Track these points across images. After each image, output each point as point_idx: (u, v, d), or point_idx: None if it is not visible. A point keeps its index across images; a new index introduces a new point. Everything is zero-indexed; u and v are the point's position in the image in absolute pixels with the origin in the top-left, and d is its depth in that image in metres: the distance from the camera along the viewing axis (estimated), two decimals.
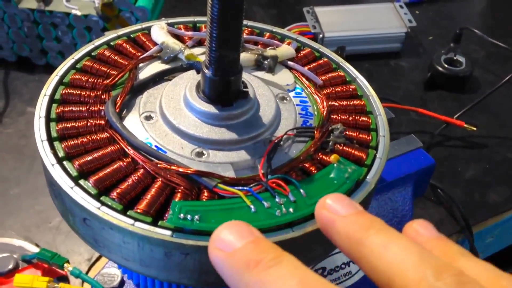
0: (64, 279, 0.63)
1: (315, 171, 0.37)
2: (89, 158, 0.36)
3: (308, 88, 0.44)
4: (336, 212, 0.26)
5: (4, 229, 0.68)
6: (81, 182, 0.34)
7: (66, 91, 0.40)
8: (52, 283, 0.59)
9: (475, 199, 0.81)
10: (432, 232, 0.26)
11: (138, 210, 0.33)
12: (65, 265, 0.61)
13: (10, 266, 0.62)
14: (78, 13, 0.86)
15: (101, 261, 0.68)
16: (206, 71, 0.38)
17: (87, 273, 0.66)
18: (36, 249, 0.65)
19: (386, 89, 0.97)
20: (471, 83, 0.99)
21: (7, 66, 0.94)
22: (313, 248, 0.36)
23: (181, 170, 0.35)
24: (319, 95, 0.43)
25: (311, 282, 0.22)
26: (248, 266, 0.23)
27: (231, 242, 0.25)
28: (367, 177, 0.37)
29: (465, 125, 0.84)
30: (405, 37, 1.02)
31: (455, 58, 0.98)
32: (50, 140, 0.37)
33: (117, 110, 0.39)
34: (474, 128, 0.85)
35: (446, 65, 0.96)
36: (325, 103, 0.42)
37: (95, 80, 0.41)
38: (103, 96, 0.40)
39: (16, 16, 0.87)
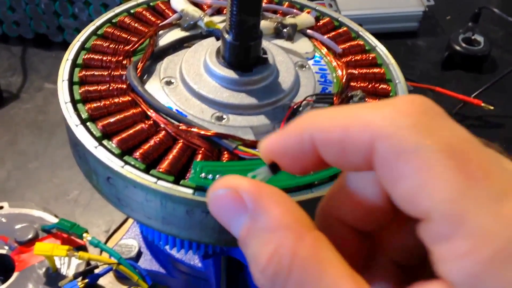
0: (83, 249, 0.64)
1: None
2: (112, 120, 0.36)
3: (327, 56, 0.44)
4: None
5: (23, 200, 0.70)
6: (105, 142, 0.35)
7: (88, 56, 0.41)
8: (71, 251, 0.60)
9: None
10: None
11: (161, 169, 0.34)
12: (84, 234, 0.62)
13: (30, 236, 0.63)
14: None
15: (119, 233, 0.69)
16: (226, 36, 0.38)
17: (105, 244, 0.68)
18: (55, 220, 0.66)
19: (403, 69, 0.95)
20: (489, 62, 0.97)
21: (25, 43, 0.94)
22: None
23: (202, 132, 0.35)
24: (339, 62, 0.43)
25: (297, 212, 0.21)
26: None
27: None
28: None
29: (483, 104, 0.84)
30: (422, 16, 1.01)
31: (473, 37, 0.96)
32: (74, 102, 0.37)
33: (138, 75, 0.39)
34: (492, 107, 0.84)
35: (464, 45, 0.95)
36: (344, 70, 0.42)
37: (116, 46, 0.42)
38: (124, 62, 0.41)
39: None
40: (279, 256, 0.19)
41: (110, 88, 0.38)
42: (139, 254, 0.62)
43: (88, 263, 0.62)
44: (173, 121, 0.37)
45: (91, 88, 0.38)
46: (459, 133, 0.18)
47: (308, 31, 0.46)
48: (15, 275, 0.58)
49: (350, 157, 0.19)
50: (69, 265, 0.62)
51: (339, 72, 0.42)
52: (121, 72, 0.40)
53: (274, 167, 0.23)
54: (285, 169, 0.22)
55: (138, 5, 0.47)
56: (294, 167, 0.22)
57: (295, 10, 0.47)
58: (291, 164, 0.22)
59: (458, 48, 0.95)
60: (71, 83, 0.39)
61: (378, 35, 1.05)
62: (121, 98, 0.38)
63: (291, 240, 0.19)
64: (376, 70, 0.43)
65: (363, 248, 0.23)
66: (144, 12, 0.46)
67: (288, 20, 0.45)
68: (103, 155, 0.34)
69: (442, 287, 0.17)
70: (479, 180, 0.17)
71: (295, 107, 0.39)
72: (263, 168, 0.23)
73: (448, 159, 0.17)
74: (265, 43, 0.43)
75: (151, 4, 0.47)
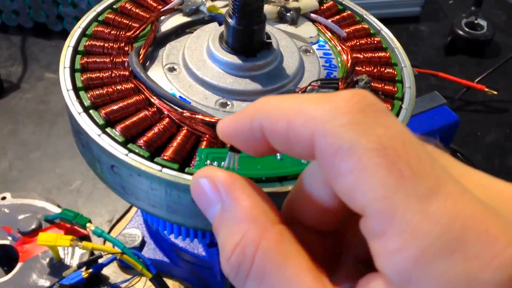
0: (86, 239, 0.64)
1: None
2: (115, 107, 0.36)
3: (332, 41, 0.44)
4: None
5: (26, 191, 0.69)
6: (108, 130, 0.34)
7: (90, 43, 0.40)
8: (75, 241, 0.60)
9: (495, 164, 0.80)
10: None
11: (165, 157, 0.33)
12: (87, 224, 0.62)
13: (33, 226, 0.63)
14: None
15: (122, 222, 0.69)
16: (229, 20, 0.37)
17: (108, 233, 0.67)
18: (58, 210, 0.66)
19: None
20: (492, 47, 0.96)
21: (24, 32, 0.94)
22: None
23: (206, 119, 0.35)
24: (343, 47, 0.42)
25: (266, 205, 0.22)
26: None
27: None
28: None
29: (486, 89, 0.83)
30: (424, 1, 1.00)
31: (476, 22, 0.95)
32: (76, 90, 0.37)
33: (141, 62, 0.39)
34: (495, 92, 0.83)
35: (467, 29, 0.94)
36: (349, 55, 0.41)
37: (118, 32, 0.41)
38: (126, 48, 0.40)
39: None
40: (243, 247, 0.20)
41: (113, 75, 0.38)
42: (142, 243, 0.62)
43: (91, 253, 0.62)
44: (176, 108, 0.36)
45: (93, 75, 0.38)
46: (393, 131, 0.18)
47: (312, 15, 0.45)
48: (19, 265, 0.58)
49: (295, 148, 0.20)
50: (72, 255, 0.62)
51: (344, 57, 0.42)
52: (123, 59, 0.39)
53: (235, 148, 0.24)
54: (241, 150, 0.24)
55: None
56: (248, 150, 0.23)
57: None
58: (244, 148, 0.23)
59: (461, 32, 0.94)
60: (72, 70, 0.38)
61: (380, 21, 1.04)
62: (123, 85, 0.37)
63: (256, 232, 0.20)
64: (381, 54, 0.43)
65: (326, 248, 0.23)
66: None
67: (292, 4, 0.44)
68: (107, 143, 0.33)
69: (381, 280, 0.18)
70: (408, 178, 0.17)
71: (300, 92, 0.38)
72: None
73: (379, 157, 0.17)
74: (268, 28, 0.42)
75: None
